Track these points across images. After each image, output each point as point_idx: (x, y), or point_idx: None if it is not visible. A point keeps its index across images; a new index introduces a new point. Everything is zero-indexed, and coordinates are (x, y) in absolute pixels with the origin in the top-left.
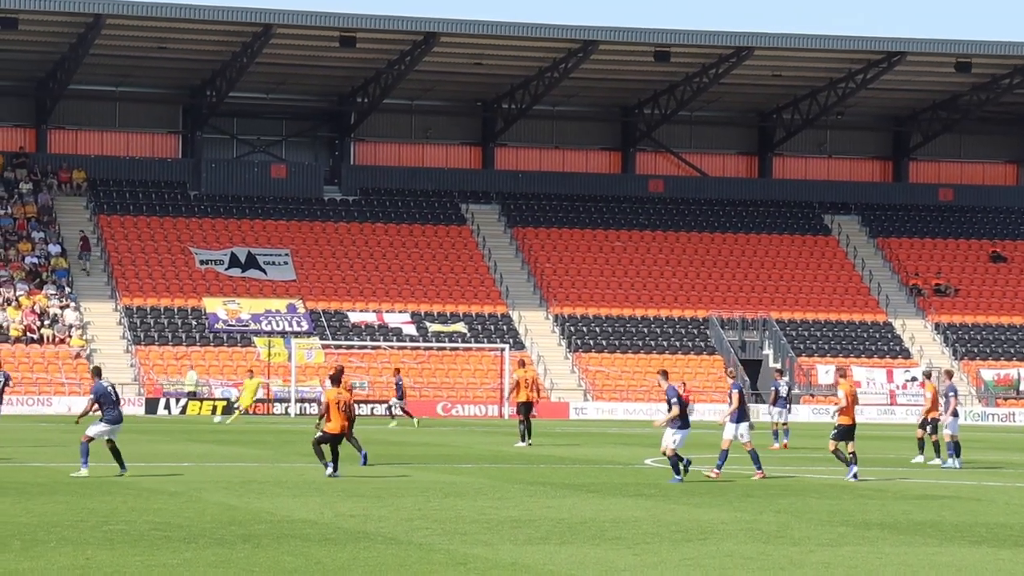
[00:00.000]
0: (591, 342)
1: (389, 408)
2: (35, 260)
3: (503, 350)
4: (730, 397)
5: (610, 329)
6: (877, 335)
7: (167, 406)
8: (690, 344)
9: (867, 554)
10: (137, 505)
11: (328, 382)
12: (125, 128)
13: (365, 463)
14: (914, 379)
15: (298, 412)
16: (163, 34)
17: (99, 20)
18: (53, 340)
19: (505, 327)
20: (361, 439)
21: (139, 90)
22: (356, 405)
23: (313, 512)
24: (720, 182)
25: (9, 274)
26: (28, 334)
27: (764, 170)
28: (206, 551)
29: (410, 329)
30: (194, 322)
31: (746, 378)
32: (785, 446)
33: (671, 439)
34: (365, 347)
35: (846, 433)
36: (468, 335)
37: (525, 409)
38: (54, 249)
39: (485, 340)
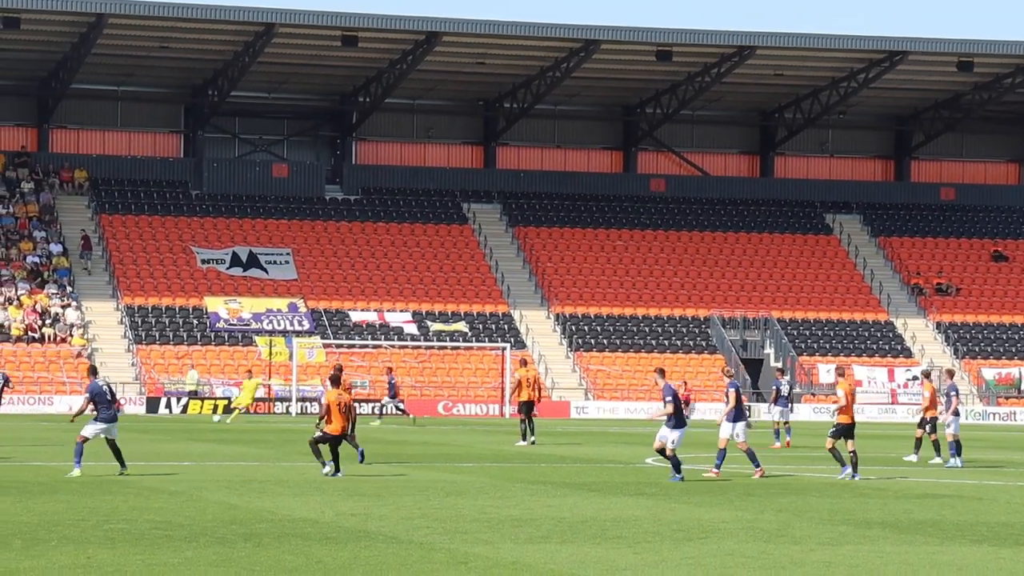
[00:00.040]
0: (592, 341)
1: (382, 407)
2: (36, 259)
3: (504, 349)
4: (727, 396)
5: (611, 328)
6: (878, 334)
7: (168, 405)
8: (691, 343)
9: (868, 553)
10: (138, 504)
11: (328, 383)
12: (127, 127)
13: (362, 460)
14: (915, 378)
15: (299, 411)
16: (165, 33)
17: (101, 19)
18: (54, 339)
19: (506, 326)
20: (359, 438)
21: (141, 89)
22: (357, 404)
23: (314, 511)
24: (722, 181)
25: (11, 273)
26: (29, 333)
27: (766, 169)
28: (207, 550)
29: (411, 328)
30: (195, 321)
31: (747, 377)
32: (788, 444)
33: (670, 438)
34: (366, 346)
35: (844, 431)
36: (469, 334)
37: (527, 408)
38: (55, 248)
39: (486, 339)
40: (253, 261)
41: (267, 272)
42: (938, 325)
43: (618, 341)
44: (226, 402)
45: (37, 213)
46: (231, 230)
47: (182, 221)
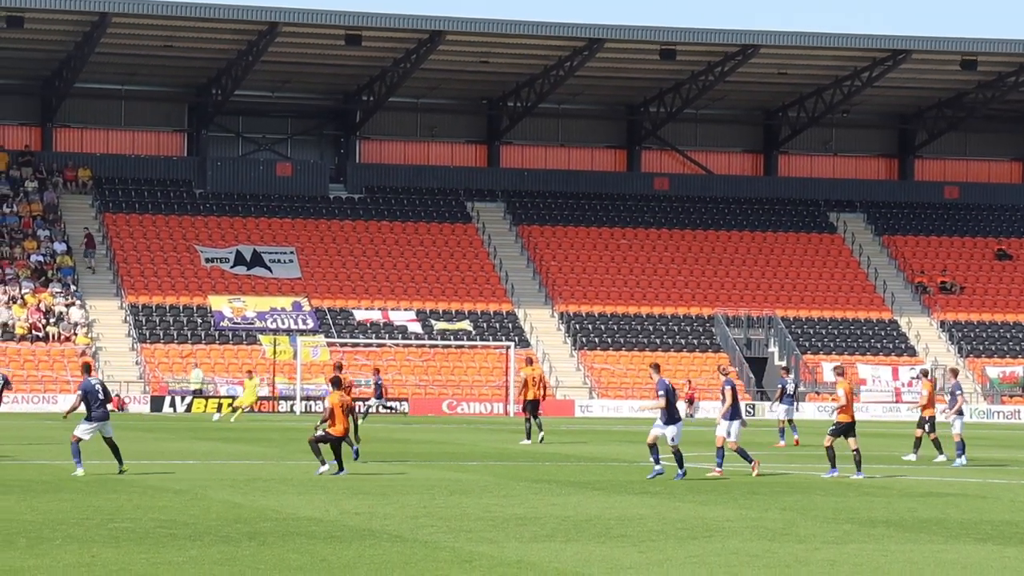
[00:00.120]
0: (596, 340)
1: (366, 409)
2: (40, 258)
3: (508, 348)
4: (723, 394)
5: (615, 327)
6: (882, 333)
7: (172, 404)
8: (695, 342)
9: (872, 551)
10: (142, 503)
11: (330, 385)
12: (131, 126)
13: (357, 458)
14: (918, 377)
15: (303, 410)
16: (169, 32)
17: (105, 18)
18: (58, 338)
19: (510, 325)
20: (359, 433)
21: (145, 88)
22: (362, 403)
23: (318, 510)
24: (725, 180)
25: (15, 272)
26: (33, 332)
27: (770, 168)
28: (211, 549)
29: (415, 327)
30: (199, 320)
31: (751, 375)
32: (797, 443)
33: (669, 435)
34: (370, 345)
35: (845, 430)
36: (473, 333)
37: (532, 407)
38: (59, 247)
39: (490, 338)
40: (257, 260)
41: (271, 271)
42: (942, 324)
43: (622, 340)
44: (228, 401)
45: (41, 212)
46: (235, 229)
47: (186, 220)
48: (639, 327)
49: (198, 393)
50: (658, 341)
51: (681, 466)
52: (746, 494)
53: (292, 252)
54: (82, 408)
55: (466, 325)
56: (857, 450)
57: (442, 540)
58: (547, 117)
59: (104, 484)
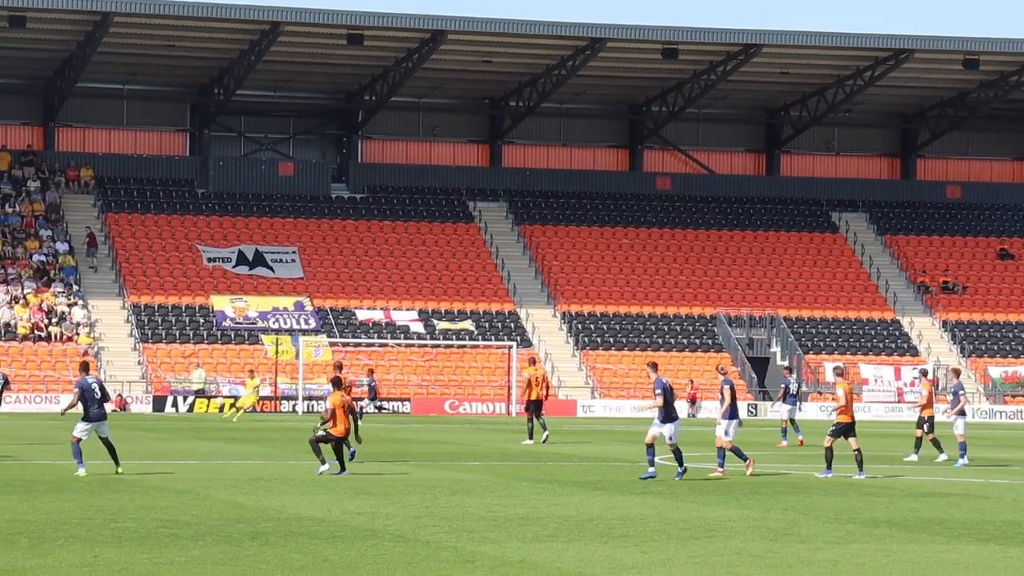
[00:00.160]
0: (598, 339)
1: (361, 409)
2: (43, 258)
3: (510, 348)
4: (722, 394)
5: (617, 326)
6: (885, 332)
7: (175, 404)
8: (697, 341)
9: (874, 552)
10: (144, 503)
11: (331, 386)
12: (133, 126)
13: (352, 458)
14: (919, 377)
15: (305, 410)
16: (171, 32)
17: (107, 18)
18: (61, 338)
19: (512, 325)
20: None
21: (147, 88)
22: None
23: (320, 510)
24: (728, 179)
25: (17, 272)
26: (36, 332)
27: (772, 167)
28: (214, 549)
29: (417, 327)
30: (201, 320)
31: (753, 375)
32: (801, 443)
33: (666, 433)
34: (372, 345)
35: (845, 430)
36: (475, 333)
37: (535, 407)
38: (62, 247)
39: (492, 338)
40: (259, 260)
41: (273, 271)
42: (944, 323)
43: (624, 339)
44: (231, 400)
45: (43, 212)
46: (237, 229)
47: (188, 220)
48: (641, 327)
49: (200, 393)
50: (660, 341)
51: (681, 464)
52: (748, 494)
53: (294, 252)
54: (80, 407)
55: (468, 325)
56: (858, 450)
57: (444, 540)
58: (549, 117)
59: (106, 484)
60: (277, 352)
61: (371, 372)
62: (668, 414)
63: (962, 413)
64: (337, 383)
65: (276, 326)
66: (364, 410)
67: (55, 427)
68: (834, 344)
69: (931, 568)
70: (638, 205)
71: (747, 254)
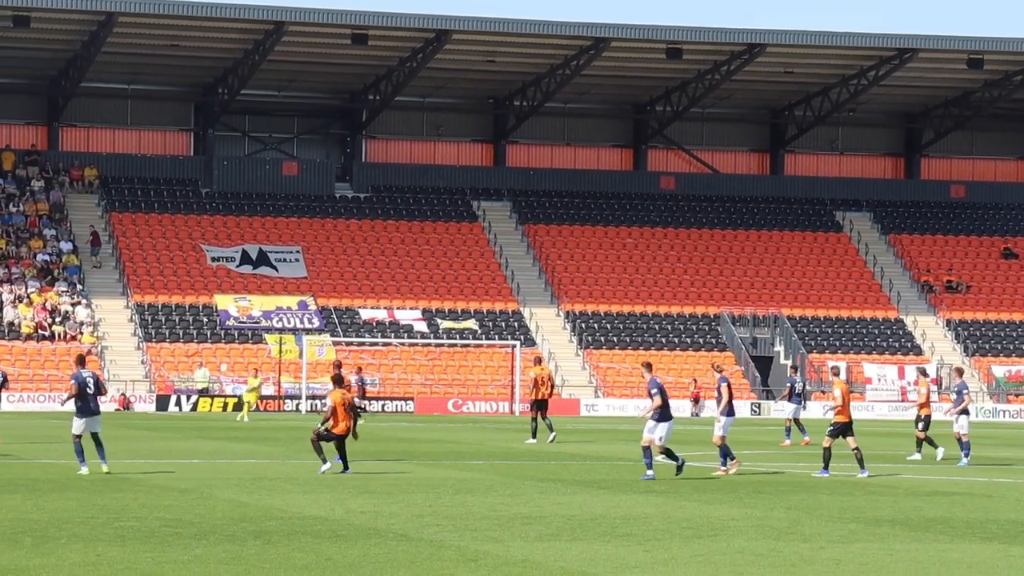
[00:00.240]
0: (602, 339)
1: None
2: (47, 257)
3: (514, 347)
4: (719, 392)
5: (621, 326)
6: (888, 332)
7: (178, 403)
8: (701, 341)
9: (878, 551)
10: (148, 502)
11: (331, 384)
12: (137, 126)
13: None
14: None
15: (309, 409)
16: (175, 32)
17: (111, 18)
18: (64, 337)
19: (516, 324)
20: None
21: (151, 88)
22: (368, 402)
23: (324, 509)
24: (732, 179)
25: (21, 271)
26: (39, 331)
27: (776, 167)
28: (217, 548)
29: (421, 326)
30: (205, 319)
31: (756, 374)
32: (807, 443)
33: (657, 433)
34: (376, 344)
35: (843, 430)
36: (479, 332)
37: (541, 407)
38: (66, 246)
39: (496, 337)
40: (263, 259)
41: (277, 270)
42: (948, 322)
43: (628, 339)
44: (236, 400)
45: (47, 211)
46: (241, 228)
47: (192, 219)
48: (645, 326)
49: (204, 392)
50: (664, 340)
51: (676, 458)
52: (751, 493)
53: (298, 251)
54: (80, 401)
55: (472, 324)
56: (857, 448)
57: (447, 539)
58: (553, 116)
59: (109, 483)
60: (281, 351)
61: (360, 370)
62: (663, 414)
63: (965, 412)
64: (339, 381)
65: (280, 325)
66: (367, 409)
67: (58, 426)
68: (838, 343)
69: (934, 567)
70: (642, 204)
71: (751, 253)
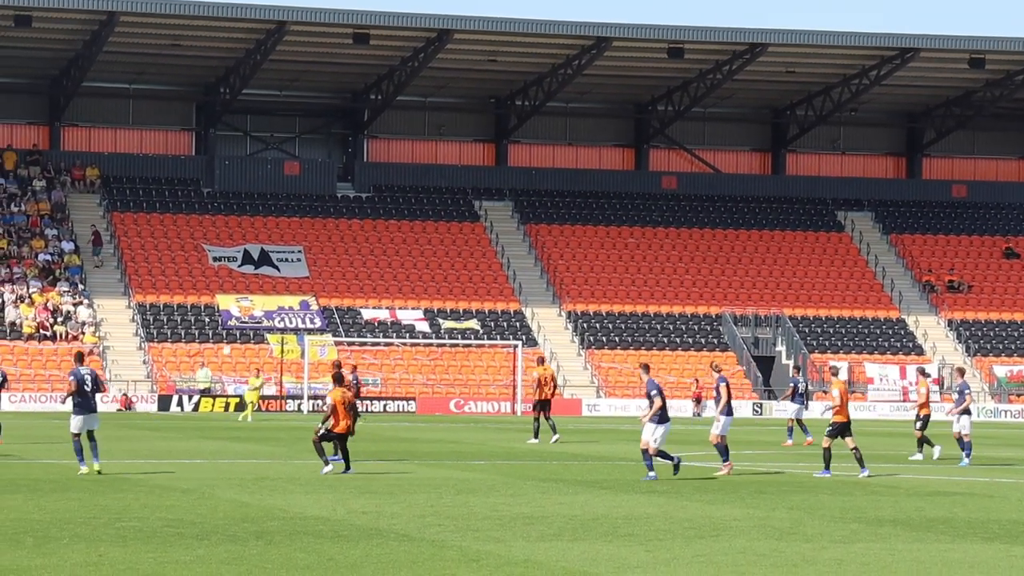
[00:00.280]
0: (604, 339)
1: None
2: (48, 257)
3: (516, 347)
4: (717, 391)
5: (623, 326)
6: (890, 331)
7: (180, 403)
8: (703, 341)
9: (880, 551)
10: (150, 502)
11: (332, 382)
12: (138, 125)
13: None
14: (927, 375)
15: (311, 409)
16: (177, 31)
17: (113, 17)
18: (66, 337)
19: (518, 324)
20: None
21: (153, 87)
22: (370, 402)
23: (326, 509)
24: (733, 179)
25: (22, 271)
26: (41, 331)
27: (777, 167)
28: (218, 548)
29: (423, 326)
30: (207, 319)
31: (758, 374)
32: (810, 443)
33: (652, 436)
34: (378, 344)
35: (841, 430)
36: (481, 332)
37: (545, 407)
38: (67, 246)
39: (498, 337)
40: (265, 259)
41: (279, 270)
42: (950, 322)
43: (629, 339)
44: (238, 400)
45: (49, 211)
46: (243, 228)
47: (194, 219)
48: (647, 326)
49: (206, 392)
50: (665, 340)
51: (671, 458)
52: (753, 493)
53: (300, 251)
54: (78, 397)
55: (474, 324)
56: (856, 448)
57: (449, 539)
58: (555, 116)
59: (111, 483)
60: (283, 351)
61: (355, 368)
62: (663, 416)
63: (967, 412)
64: (339, 379)
65: (282, 325)
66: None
67: (60, 426)
68: (839, 343)
69: (936, 567)
70: (644, 204)
71: (752, 253)
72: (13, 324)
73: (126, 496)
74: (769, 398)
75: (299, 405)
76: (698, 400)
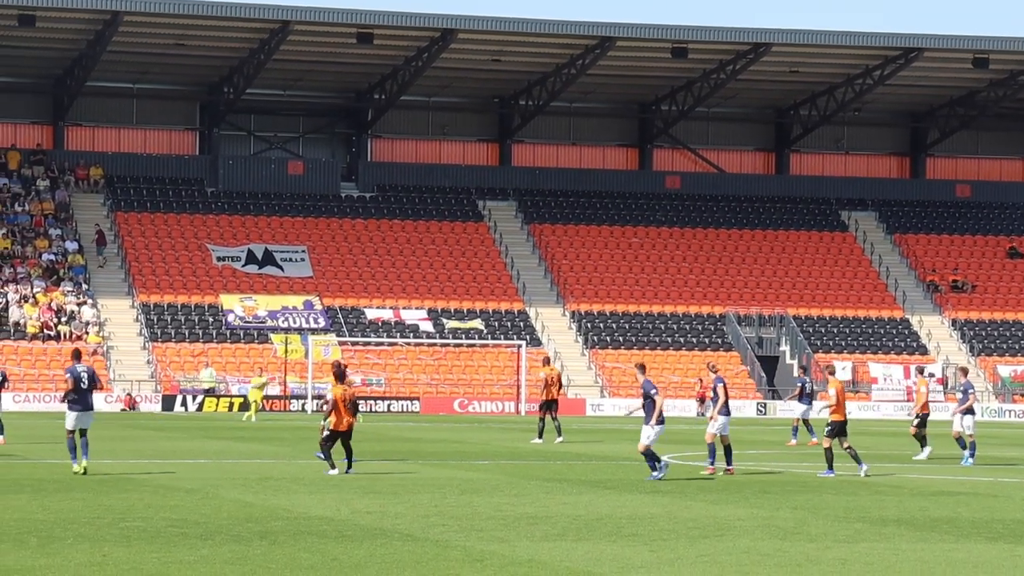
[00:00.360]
0: (608, 338)
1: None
2: (52, 257)
3: (520, 347)
4: (715, 392)
5: (627, 325)
6: (894, 331)
7: (184, 403)
8: (707, 340)
9: (883, 550)
10: (154, 502)
11: (333, 379)
12: (142, 125)
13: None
14: (931, 375)
15: (315, 409)
16: (180, 31)
17: (116, 17)
18: (70, 337)
19: (522, 324)
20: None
21: (156, 87)
22: (373, 401)
23: (330, 509)
24: (737, 178)
25: (26, 271)
26: (45, 331)
27: (781, 166)
28: (223, 548)
29: (427, 326)
30: (211, 319)
31: (762, 374)
32: (815, 443)
33: (652, 435)
34: (382, 344)
35: (840, 430)
36: (485, 332)
37: (551, 407)
38: (71, 246)
39: (502, 337)
40: (268, 259)
41: (282, 270)
42: (954, 322)
43: (633, 338)
44: (242, 400)
45: (53, 211)
46: (246, 227)
47: (197, 219)
48: (650, 326)
49: (210, 392)
50: (669, 340)
51: (659, 460)
52: (757, 493)
53: (303, 251)
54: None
55: (477, 324)
56: (850, 447)
57: (453, 539)
58: (559, 115)
59: (115, 483)
60: (287, 351)
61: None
62: (660, 416)
63: (971, 411)
64: (340, 376)
65: (285, 325)
66: (372, 408)
67: (63, 426)
68: (843, 343)
69: (940, 567)
70: (647, 204)
71: (756, 253)
72: (17, 324)
73: (130, 496)
74: (773, 398)
75: (303, 405)
76: (702, 400)
